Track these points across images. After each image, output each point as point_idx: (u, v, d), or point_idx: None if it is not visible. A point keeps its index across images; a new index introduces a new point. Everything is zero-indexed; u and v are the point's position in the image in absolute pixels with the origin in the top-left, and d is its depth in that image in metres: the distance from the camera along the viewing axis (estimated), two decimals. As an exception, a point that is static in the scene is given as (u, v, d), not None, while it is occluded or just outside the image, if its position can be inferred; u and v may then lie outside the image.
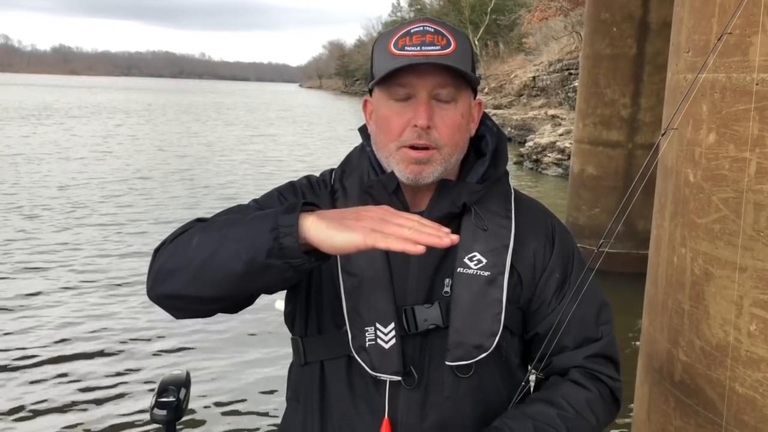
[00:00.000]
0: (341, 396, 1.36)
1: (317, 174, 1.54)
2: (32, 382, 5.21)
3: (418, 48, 1.27)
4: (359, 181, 1.42)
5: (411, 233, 1.08)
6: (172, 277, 1.23)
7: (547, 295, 1.39)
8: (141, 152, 19.69)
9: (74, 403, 4.92)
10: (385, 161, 1.37)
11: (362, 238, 1.09)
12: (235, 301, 1.28)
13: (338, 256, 1.34)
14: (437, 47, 1.27)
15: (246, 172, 17.00)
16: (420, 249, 1.07)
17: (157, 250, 1.30)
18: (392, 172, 1.35)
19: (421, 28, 1.30)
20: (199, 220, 1.33)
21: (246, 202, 1.47)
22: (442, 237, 1.08)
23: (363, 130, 1.48)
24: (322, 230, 1.12)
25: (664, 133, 1.83)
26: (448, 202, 1.35)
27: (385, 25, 78.40)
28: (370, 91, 1.40)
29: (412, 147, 1.30)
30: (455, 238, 1.10)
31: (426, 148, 1.30)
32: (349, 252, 1.12)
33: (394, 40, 1.30)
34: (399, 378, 1.31)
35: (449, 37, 1.30)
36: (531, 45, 32.24)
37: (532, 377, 1.41)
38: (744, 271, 1.77)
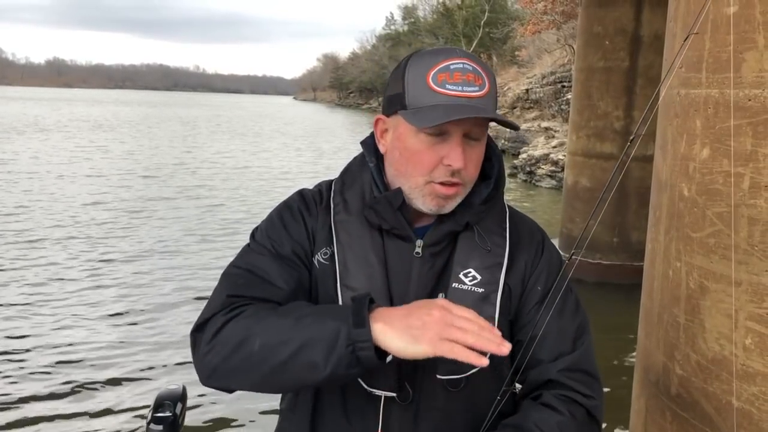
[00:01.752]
0: (335, 409, 1.37)
1: (312, 186, 1.53)
2: (26, 398, 5.17)
3: (460, 88, 1.27)
4: (360, 194, 1.42)
5: (474, 340, 1.11)
6: (238, 376, 1.25)
7: (529, 306, 1.41)
8: (139, 172, 19.02)
9: (69, 419, 4.89)
10: (407, 189, 1.36)
11: (432, 350, 1.12)
12: None
13: (337, 270, 1.36)
14: (476, 88, 1.28)
15: (251, 191, 16.34)
16: (486, 362, 1.12)
17: (198, 333, 1.29)
18: (398, 189, 1.36)
19: (461, 65, 1.29)
20: (230, 297, 1.31)
21: (256, 216, 1.46)
22: (500, 345, 1.12)
23: (365, 144, 1.47)
24: (393, 341, 1.14)
25: (632, 139, 1.84)
26: (451, 221, 1.38)
27: (380, 38, 78.67)
28: (384, 109, 1.39)
29: (443, 183, 1.32)
30: (508, 346, 1.13)
31: (453, 185, 1.32)
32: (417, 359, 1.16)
33: (432, 74, 1.29)
34: (394, 394, 1.31)
35: (484, 76, 1.31)
36: (524, 58, 32.43)
37: (511, 389, 1.41)
38: (739, 285, 1.78)
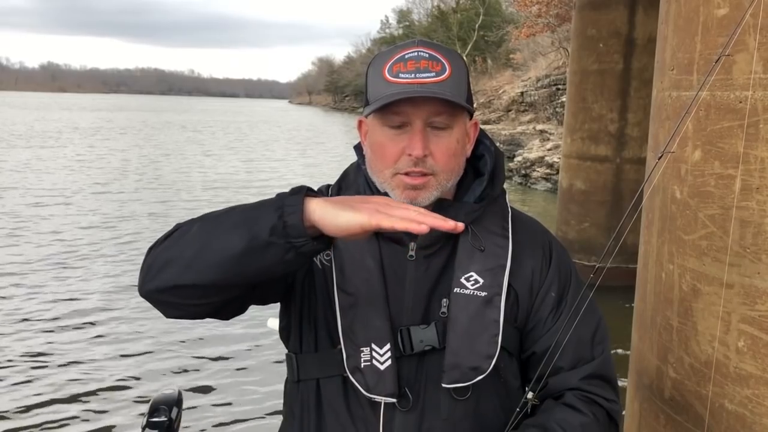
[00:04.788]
0: (337, 415, 1.35)
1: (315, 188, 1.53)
2: (20, 404, 5.15)
3: (413, 75, 1.26)
4: None
5: (416, 215, 1.10)
6: (167, 267, 1.20)
7: (543, 315, 1.38)
8: (141, 187, 18.01)
9: (63, 425, 4.87)
10: (380, 185, 1.36)
11: (367, 218, 1.09)
12: (230, 293, 1.23)
13: (334, 274, 1.34)
14: (432, 74, 1.27)
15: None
16: (424, 228, 1.08)
17: (151, 247, 1.28)
18: (387, 193, 1.35)
19: (416, 53, 1.29)
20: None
21: None
22: (447, 220, 1.11)
23: (358, 148, 1.47)
24: (328, 210, 1.12)
25: (660, 157, 1.85)
26: None
27: (375, 42, 78.80)
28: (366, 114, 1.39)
29: (408, 174, 1.30)
30: (461, 225, 1.11)
31: (422, 175, 1.30)
32: (354, 232, 1.11)
33: (388, 66, 1.29)
34: (394, 400, 1.30)
35: (444, 62, 1.29)
36: (519, 60, 32.48)
37: (530, 399, 1.38)
38: (731, 287, 1.78)
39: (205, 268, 1.16)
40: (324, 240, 1.15)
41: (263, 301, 1.36)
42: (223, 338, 6.55)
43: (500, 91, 31.16)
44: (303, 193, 1.15)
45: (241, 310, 1.33)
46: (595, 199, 8.90)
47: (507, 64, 36.63)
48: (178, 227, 1.27)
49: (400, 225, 1.08)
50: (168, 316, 1.30)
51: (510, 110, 27.84)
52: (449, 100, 1.27)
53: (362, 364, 1.30)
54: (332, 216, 1.11)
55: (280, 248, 1.12)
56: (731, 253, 1.78)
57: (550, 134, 21.05)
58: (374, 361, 1.29)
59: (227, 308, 1.29)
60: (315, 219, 1.12)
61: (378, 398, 1.30)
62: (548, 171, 18.15)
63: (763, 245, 1.71)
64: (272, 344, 6.17)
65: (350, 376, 1.30)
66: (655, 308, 2.10)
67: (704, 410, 1.87)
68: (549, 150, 19.25)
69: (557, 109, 21.36)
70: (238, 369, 5.95)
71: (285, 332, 1.46)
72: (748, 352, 1.75)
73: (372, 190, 1.40)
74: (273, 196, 1.21)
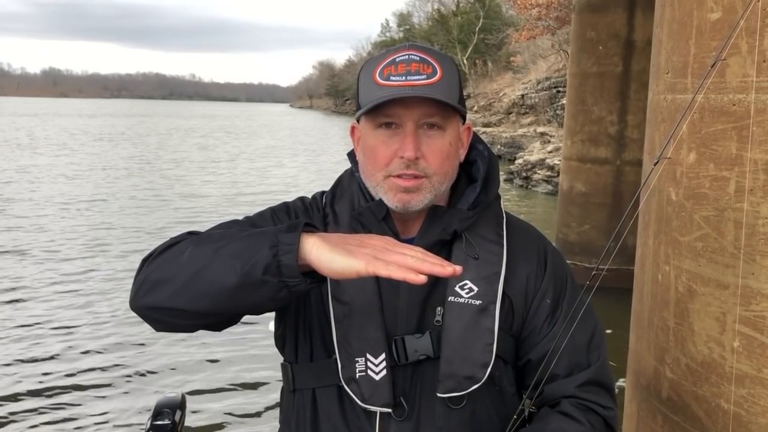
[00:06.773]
0: (333, 425, 1.35)
1: (309, 196, 1.53)
2: (24, 407, 5.16)
3: (404, 78, 1.26)
4: (349, 206, 1.41)
5: (414, 262, 1.07)
6: (158, 288, 1.20)
7: (539, 322, 1.37)
8: (140, 200, 18.10)
9: (66, 427, 4.88)
10: (372, 190, 1.35)
11: (364, 265, 1.08)
12: (220, 318, 1.25)
13: (329, 283, 1.33)
14: (423, 76, 1.26)
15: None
16: (422, 279, 1.06)
17: (144, 260, 1.27)
18: (381, 200, 1.34)
19: (407, 56, 1.29)
20: (191, 233, 1.30)
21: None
22: (445, 266, 1.08)
23: (351, 155, 1.47)
24: (324, 253, 1.11)
25: (656, 162, 1.86)
26: (438, 229, 1.34)
27: (375, 45, 78.82)
28: (357, 118, 1.39)
29: (400, 176, 1.29)
30: (458, 269, 1.08)
31: (414, 177, 1.29)
32: (349, 277, 1.11)
33: (379, 69, 1.29)
34: (389, 410, 1.30)
35: (435, 64, 1.28)
36: (519, 63, 32.53)
37: (527, 407, 1.38)
38: (726, 288, 1.80)
39: (196, 297, 1.17)
40: (318, 277, 1.15)
41: (258, 313, 1.35)
42: (226, 342, 6.55)
43: (501, 94, 31.21)
44: (299, 230, 1.14)
45: (234, 322, 1.32)
46: (595, 201, 8.91)
47: (507, 66, 36.68)
48: (173, 243, 1.27)
49: (397, 274, 1.06)
50: (158, 330, 1.30)
51: (510, 113, 27.87)
52: (440, 102, 1.26)
53: (357, 375, 1.29)
54: (328, 260, 1.10)
55: (273, 287, 1.13)
56: (726, 254, 1.80)
57: (551, 136, 21.07)
58: (369, 371, 1.29)
59: (217, 326, 1.29)
60: (310, 260, 1.12)
61: (373, 408, 1.30)
62: (549, 173, 18.15)
63: (756, 246, 1.72)
64: (275, 349, 6.17)
65: (345, 387, 1.30)
66: (652, 309, 2.12)
67: (701, 410, 1.89)
68: (549, 152, 19.26)
69: (558, 112, 21.38)
70: (241, 373, 5.96)
71: (280, 341, 1.46)
72: (744, 352, 1.77)
73: (366, 197, 1.39)
74: (272, 204, 1.21)
